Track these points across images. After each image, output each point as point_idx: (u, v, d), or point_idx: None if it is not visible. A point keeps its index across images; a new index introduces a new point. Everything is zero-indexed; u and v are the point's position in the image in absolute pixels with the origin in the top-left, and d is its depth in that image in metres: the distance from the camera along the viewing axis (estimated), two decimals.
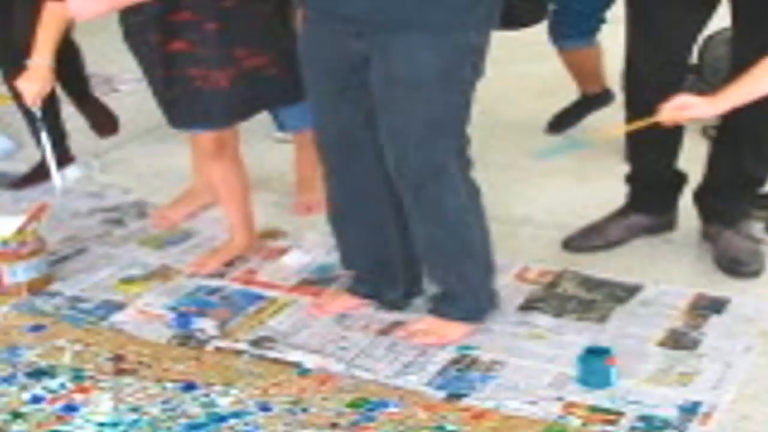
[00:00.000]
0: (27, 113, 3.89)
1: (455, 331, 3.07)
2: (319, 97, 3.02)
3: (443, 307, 3.11)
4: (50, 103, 3.86)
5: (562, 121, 4.78)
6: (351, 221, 3.17)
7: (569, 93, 4.78)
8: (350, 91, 2.91)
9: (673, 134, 3.46)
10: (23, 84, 3.26)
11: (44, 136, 3.47)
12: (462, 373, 2.92)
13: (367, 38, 2.79)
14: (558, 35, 4.53)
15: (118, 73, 5.74)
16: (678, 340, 3.03)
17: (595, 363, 2.82)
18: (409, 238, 3.14)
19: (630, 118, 3.53)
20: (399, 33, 2.74)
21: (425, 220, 2.99)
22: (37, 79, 3.25)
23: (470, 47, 2.78)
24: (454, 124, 2.87)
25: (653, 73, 3.37)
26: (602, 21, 4.49)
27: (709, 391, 2.77)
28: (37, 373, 2.97)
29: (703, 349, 2.98)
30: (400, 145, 2.87)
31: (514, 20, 2.98)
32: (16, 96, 3.57)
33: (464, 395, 2.81)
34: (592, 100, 4.74)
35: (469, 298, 3.08)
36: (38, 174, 4.40)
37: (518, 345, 3.04)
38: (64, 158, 4.29)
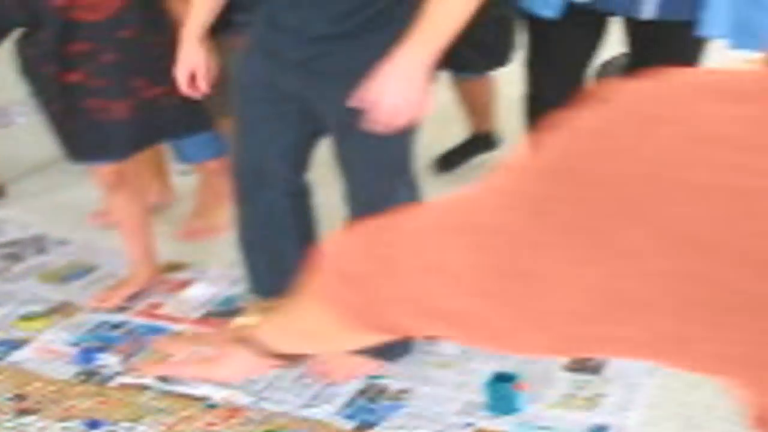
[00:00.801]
0: None
1: (364, 366, 3.07)
2: (242, 125, 3.01)
3: None
4: None
5: (450, 160, 4.76)
6: (257, 249, 3.16)
7: (459, 126, 4.78)
8: (272, 123, 2.90)
9: None
10: None
11: None
12: (370, 402, 2.91)
13: (303, 83, 2.78)
14: (458, 64, 4.54)
15: (15, 105, 5.64)
16: (583, 364, 3.06)
17: (502, 389, 2.84)
18: None
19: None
20: (332, 80, 2.74)
21: None
22: None
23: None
24: (397, 162, 2.87)
25: (550, 99, 3.41)
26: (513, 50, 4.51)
27: (615, 414, 2.80)
28: None
29: (608, 373, 3.02)
30: (347, 181, 2.90)
31: (459, 66, 3.00)
32: None
33: (374, 424, 2.80)
34: (480, 141, 4.74)
35: None
36: None
37: (426, 373, 3.05)
38: None
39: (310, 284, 0.94)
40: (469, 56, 3.13)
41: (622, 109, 0.57)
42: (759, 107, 0.52)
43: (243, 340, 1.10)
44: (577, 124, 0.59)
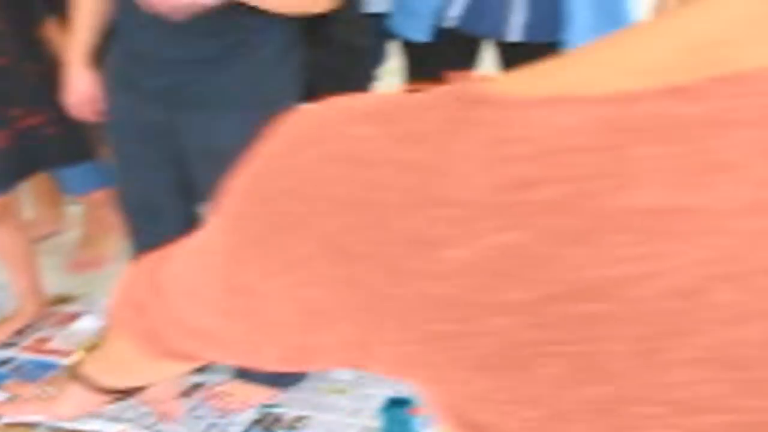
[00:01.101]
0: None
1: (259, 394, 3.04)
2: (120, 162, 2.95)
3: (248, 370, 3.07)
4: None
5: None
6: None
7: None
8: (150, 157, 2.84)
9: None
10: None
11: None
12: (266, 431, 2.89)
13: (167, 112, 2.73)
14: (312, 94, 4.43)
15: None
16: None
17: (397, 414, 2.83)
18: None
19: None
20: (198, 110, 2.70)
21: None
22: None
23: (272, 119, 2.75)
24: None
25: None
26: (372, 79, 4.44)
27: None
28: None
29: None
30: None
31: (314, 96, 2.98)
32: None
33: None
34: None
35: None
36: None
37: (321, 400, 3.03)
38: None
39: (114, 315, 0.98)
40: (322, 85, 3.09)
41: (290, 132, 0.64)
42: (385, 128, 0.58)
43: (76, 376, 1.12)
44: (262, 148, 0.65)
